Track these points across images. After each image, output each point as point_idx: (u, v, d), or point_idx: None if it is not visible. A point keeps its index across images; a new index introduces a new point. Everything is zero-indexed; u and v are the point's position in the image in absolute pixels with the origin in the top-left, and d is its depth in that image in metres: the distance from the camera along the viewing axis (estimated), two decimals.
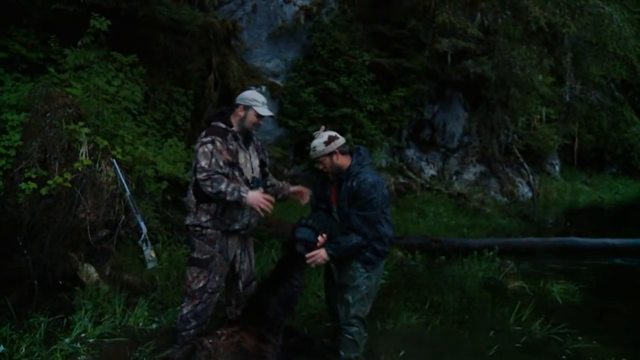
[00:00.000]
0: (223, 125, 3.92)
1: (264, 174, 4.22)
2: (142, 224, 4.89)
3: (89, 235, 4.94)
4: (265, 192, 3.93)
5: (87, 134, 4.96)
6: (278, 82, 10.59)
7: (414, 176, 12.43)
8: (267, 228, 6.83)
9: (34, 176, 4.59)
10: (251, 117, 3.95)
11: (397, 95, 11.56)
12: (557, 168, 17.15)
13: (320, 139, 4.04)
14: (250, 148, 4.08)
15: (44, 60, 5.85)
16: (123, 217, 5.33)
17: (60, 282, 4.74)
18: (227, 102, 8.94)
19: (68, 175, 4.70)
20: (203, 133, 3.87)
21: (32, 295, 4.41)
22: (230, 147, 3.86)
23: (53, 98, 5.00)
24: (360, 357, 4.20)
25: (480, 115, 13.09)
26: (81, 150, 4.95)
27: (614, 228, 10.36)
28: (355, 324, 4.10)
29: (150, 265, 4.84)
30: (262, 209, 3.67)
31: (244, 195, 3.64)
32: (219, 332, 3.63)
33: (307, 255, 3.91)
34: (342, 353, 4.16)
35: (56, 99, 5.00)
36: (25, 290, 4.41)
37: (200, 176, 3.67)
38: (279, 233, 6.65)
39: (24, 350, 3.77)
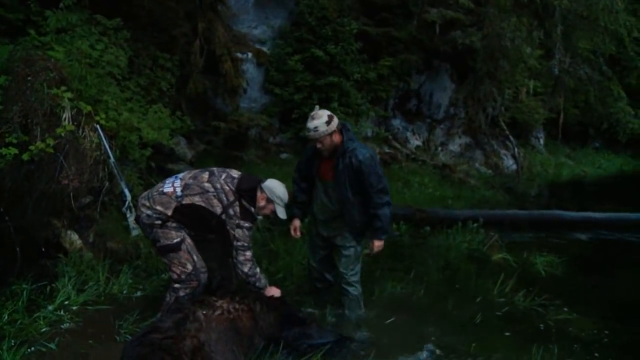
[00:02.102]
0: (253, 211, 4.03)
1: None
2: (127, 191, 4.85)
3: (72, 202, 4.87)
4: None
5: (70, 99, 4.84)
6: (264, 49, 10.42)
7: (399, 146, 12.41)
8: None
9: (15, 141, 4.47)
10: (268, 210, 4.09)
11: (384, 65, 11.47)
12: (542, 141, 17.25)
13: (321, 119, 4.11)
14: None
15: (23, 21, 5.68)
16: (107, 183, 5.26)
17: (43, 249, 4.68)
18: (213, 69, 8.83)
19: (50, 141, 4.60)
20: (238, 210, 3.93)
21: (14, 262, 4.35)
22: None
23: (34, 61, 4.86)
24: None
25: (468, 86, 13.05)
26: (64, 116, 4.84)
27: (596, 202, 10.47)
28: (354, 284, 4.56)
29: (134, 233, 4.80)
30: None
31: (266, 284, 4.11)
32: (217, 303, 3.58)
33: (372, 254, 4.56)
34: (347, 312, 4.58)
35: (37, 62, 4.87)
36: (7, 257, 4.34)
37: (247, 254, 3.95)
38: None
39: (6, 317, 3.74)
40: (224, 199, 3.94)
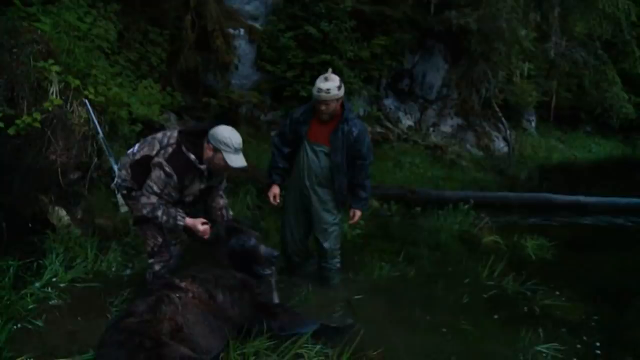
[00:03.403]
0: (192, 158, 3.63)
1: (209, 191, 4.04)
2: (116, 167, 4.76)
3: (60, 178, 4.80)
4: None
5: (57, 73, 4.74)
6: (257, 25, 10.26)
7: (391, 126, 12.36)
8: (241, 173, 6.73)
9: (0, 115, 4.38)
10: (218, 161, 3.64)
11: (377, 44, 11.30)
12: (533, 124, 17.22)
13: (333, 82, 4.24)
14: (214, 179, 3.94)
15: None
16: (95, 159, 5.20)
17: (30, 225, 4.62)
18: (205, 45, 8.70)
19: (37, 115, 4.51)
20: (170, 150, 3.61)
21: (0, 238, 4.29)
22: (186, 181, 3.69)
23: (20, 33, 4.76)
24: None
25: (462, 67, 12.96)
26: (51, 90, 4.75)
27: (586, 185, 10.49)
28: (338, 255, 4.77)
29: (123, 210, 4.68)
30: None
31: (181, 224, 3.69)
32: (182, 285, 3.36)
33: (351, 222, 4.78)
34: (333, 282, 4.80)
35: (23, 34, 4.76)
36: None
37: (151, 199, 3.58)
38: (254, 178, 6.49)
39: None
40: (165, 141, 3.70)
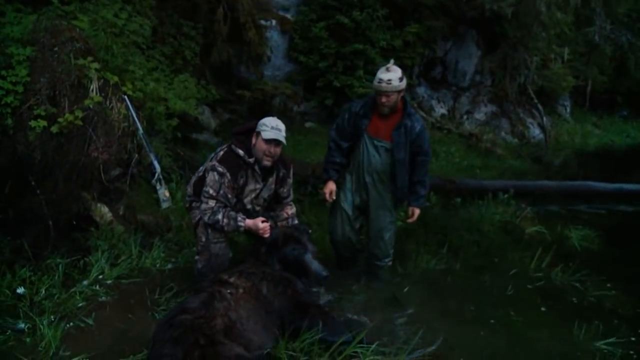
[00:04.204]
0: (241, 153, 3.82)
1: (277, 201, 4.19)
2: (156, 163, 4.81)
3: (102, 174, 4.80)
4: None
5: (96, 70, 4.73)
6: (288, 16, 10.23)
7: (424, 115, 12.19)
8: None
9: (43, 113, 4.38)
10: (260, 144, 3.79)
11: (410, 32, 11.17)
12: (568, 110, 16.81)
13: (395, 74, 4.13)
14: (270, 180, 4.01)
15: None
16: (136, 155, 5.18)
17: (75, 222, 4.63)
18: (237, 37, 8.66)
19: (79, 113, 4.49)
20: (221, 153, 3.85)
21: (47, 235, 4.31)
22: (241, 180, 3.84)
23: (60, 31, 4.73)
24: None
25: (499, 54, 12.68)
26: (91, 87, 4.72)
27: (625, 172, 10.21)
28: (391, 254, 4.70)
29: (164, 205, 4.78)
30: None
31: (242, 225, 3.77)
32: (231, 280, 3.40)
33: (410, 221, 4.61)
34: (382, 278, 4.71)
35: (63, 33, 4.73)
36: (41, 231, 4.30)
37: (210, 204, 3.76)
38: (297, 172, 6.39)
39: (43, 292, 3.71)
40: (218, 147, 3.97)
